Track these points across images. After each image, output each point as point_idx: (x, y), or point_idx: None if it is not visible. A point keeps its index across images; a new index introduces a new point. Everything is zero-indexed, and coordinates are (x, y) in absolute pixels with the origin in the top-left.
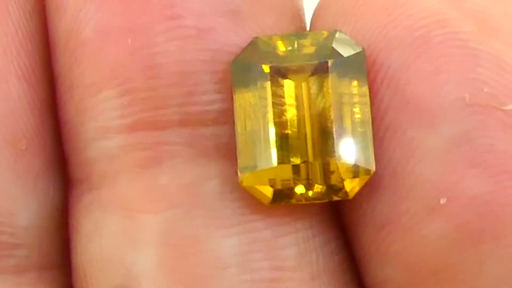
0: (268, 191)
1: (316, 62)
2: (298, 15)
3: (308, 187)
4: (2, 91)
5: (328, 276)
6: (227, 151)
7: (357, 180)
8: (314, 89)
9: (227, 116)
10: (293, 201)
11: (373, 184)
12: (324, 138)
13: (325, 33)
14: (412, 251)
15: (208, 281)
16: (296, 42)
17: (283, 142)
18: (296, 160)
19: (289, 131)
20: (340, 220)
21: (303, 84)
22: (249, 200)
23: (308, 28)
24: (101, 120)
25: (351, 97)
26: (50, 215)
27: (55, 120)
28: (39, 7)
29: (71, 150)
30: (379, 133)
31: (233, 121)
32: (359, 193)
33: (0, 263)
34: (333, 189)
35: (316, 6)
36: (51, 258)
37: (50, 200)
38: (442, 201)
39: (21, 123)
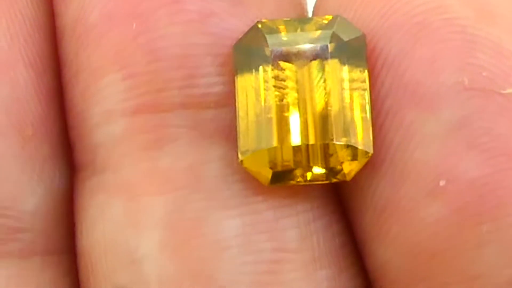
0: (268, 172)
1: (317, 46)
2: (299, 2)
3: (308, 168)
4: (9, 78)
5: (329, 258)
6: (229, 134)
7: (355, 162)
8: (315, 73)
9: (229, 99)
10: (293, 182)
11: (373, 167)
12: (324, 121)
13: (327, 18)
14: (412, 233)
15: (211, 262)
16: (298, 27)
17: (284, 124)
18: (296, 142)
19: (289, 114)
20: (341, 203)
21: (304, 68)
22: (251, 182)
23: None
24: (105, 104)
25: (351, 81)
26: (56, 200)
27: (61, 107)
28: None
29: (76, 136)
30: (380, 117)
31: (235, 104)
32: (359, 176)
33: (5, 247)
34: (332, 171)
35: None
36: (56, 243)
37: (56, 185)
38: (442, 183)
39: (27, 110)
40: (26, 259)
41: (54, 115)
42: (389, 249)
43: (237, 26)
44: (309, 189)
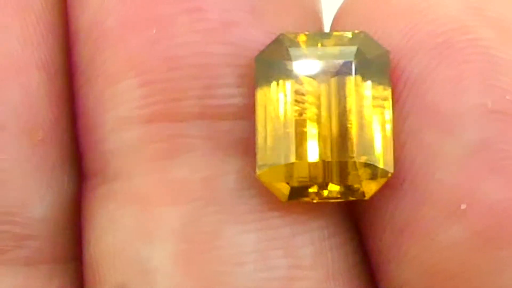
0: (285, 188)
1: (340, 62)
2: (317, 17)
3: (325, 186)
4: (21, 81)
5: (343, 277)
6: (246, 147)
7: (375, 181)
8: (336, 89)
9: (246, 111)
10: (310, 199)
11: (393, 187)
12: (344, 138)
13: (351, 34)
14: (430, 256)
15: (225, 277)
16: (321, 41)
17: (303, 140)
18: (315, 159)
19: (308, 130)
20: (355, 222)
21: (326, 84)
22: (267, 197)
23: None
24: (120, 111)
25: (373, 99)
26: (65, 207)
27: (72, 112)
28: None
29: (88, 142)
30: (401, 137)
31: (253, 117)
32: (378, 195)
33: (12, 254)
34: (350, 189)
35: (338, 10)
36: (63, 251)
37: (65, 192)
38: (462, 206)
39: (38, 114)
40: (33, 267)
41: (65, 120)
42: (407, 270)
43: (258, 37)
44: (324, 206)
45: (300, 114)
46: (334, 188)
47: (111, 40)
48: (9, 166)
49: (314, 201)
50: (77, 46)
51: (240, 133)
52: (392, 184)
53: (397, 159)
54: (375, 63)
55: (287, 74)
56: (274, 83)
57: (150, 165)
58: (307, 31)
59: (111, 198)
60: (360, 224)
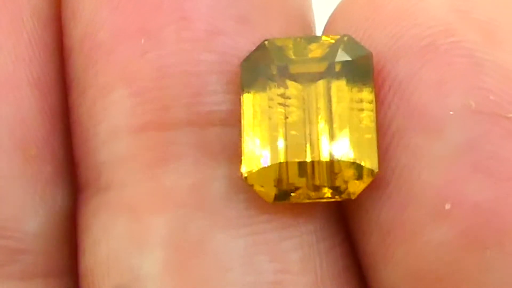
0: (272, 190)
1: (323, 65)
2: (307, 24)
3: (312, 187)
4: (14, 98)
5: (332, 281)
6: (234, 152)
7: (360, 181)
8: (321, 92)
9: (234, 117)
10: (297, 200)
11: (379, 189)
12: (329, 140)
13: (334, 37)
14: (417, 257)
15: (213, 283)
16: (305, 46)
17: (289, 142)
18: (302, 160)
19: (295, 132)
20: (345, 225)
21: (311, 87)
22: (255, 201)
23: None
24: (112, 121)
25: (357, 101)
26: (59, 221)
27: (65, 127)
28: (53, 16)
29: (82, 154)
30: (386, 139)
31: (241, 121)
32: (364, 197)
33: (6, 269)
34: (337, 190)
35: (330, 16)
36: (58, 265)
37: (58, 206)
38: (447, 206)
39: (31, 130)
40: (27, 281)
41: (58, 135)
42: (394, 273)
43: (244, 44)
44: (313, 210)
45: (286, 117)
46: (321, 189)
47: (102, 52)
48: (2, 181)
49: (301, 202)
50: (70, 60)
51: (228, 139)
52: (378, 185)
53: (382, 161)
54: (358, 65)
55: (272, 79)
56: (259, 88)
57: (141, 174)
58: (293, 36)
59: (104, 208)
60: (350, 226)
